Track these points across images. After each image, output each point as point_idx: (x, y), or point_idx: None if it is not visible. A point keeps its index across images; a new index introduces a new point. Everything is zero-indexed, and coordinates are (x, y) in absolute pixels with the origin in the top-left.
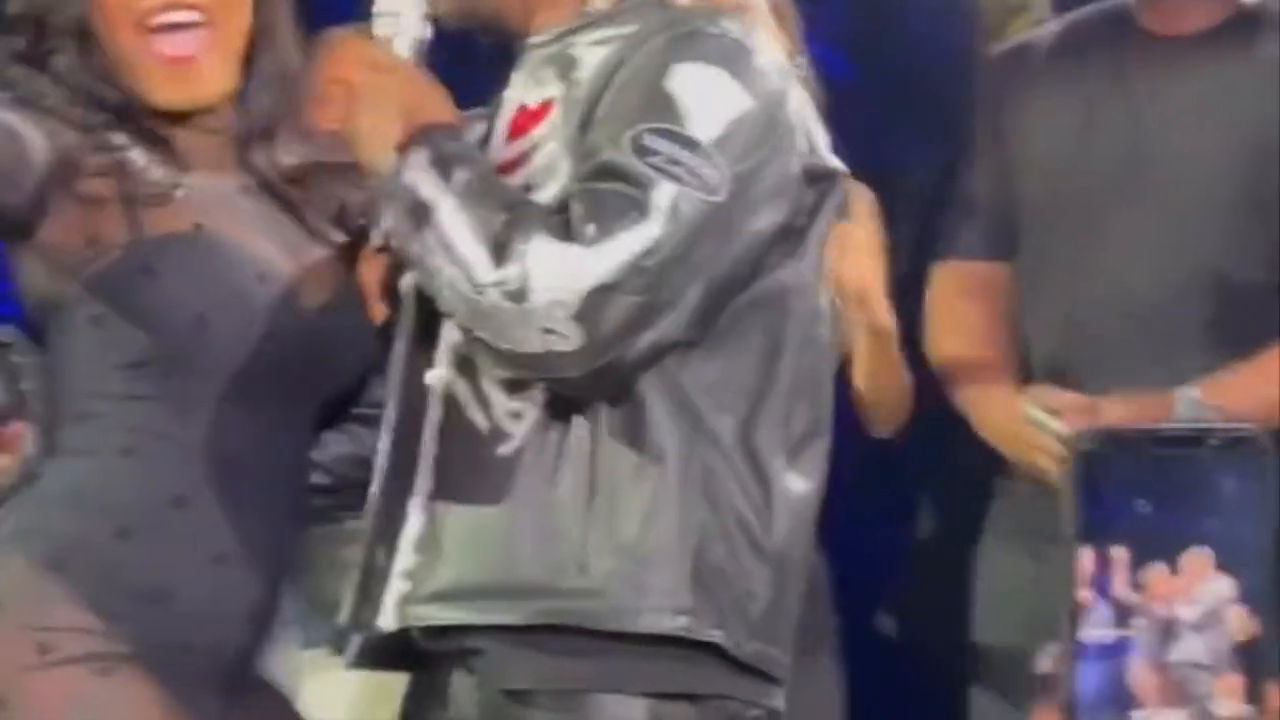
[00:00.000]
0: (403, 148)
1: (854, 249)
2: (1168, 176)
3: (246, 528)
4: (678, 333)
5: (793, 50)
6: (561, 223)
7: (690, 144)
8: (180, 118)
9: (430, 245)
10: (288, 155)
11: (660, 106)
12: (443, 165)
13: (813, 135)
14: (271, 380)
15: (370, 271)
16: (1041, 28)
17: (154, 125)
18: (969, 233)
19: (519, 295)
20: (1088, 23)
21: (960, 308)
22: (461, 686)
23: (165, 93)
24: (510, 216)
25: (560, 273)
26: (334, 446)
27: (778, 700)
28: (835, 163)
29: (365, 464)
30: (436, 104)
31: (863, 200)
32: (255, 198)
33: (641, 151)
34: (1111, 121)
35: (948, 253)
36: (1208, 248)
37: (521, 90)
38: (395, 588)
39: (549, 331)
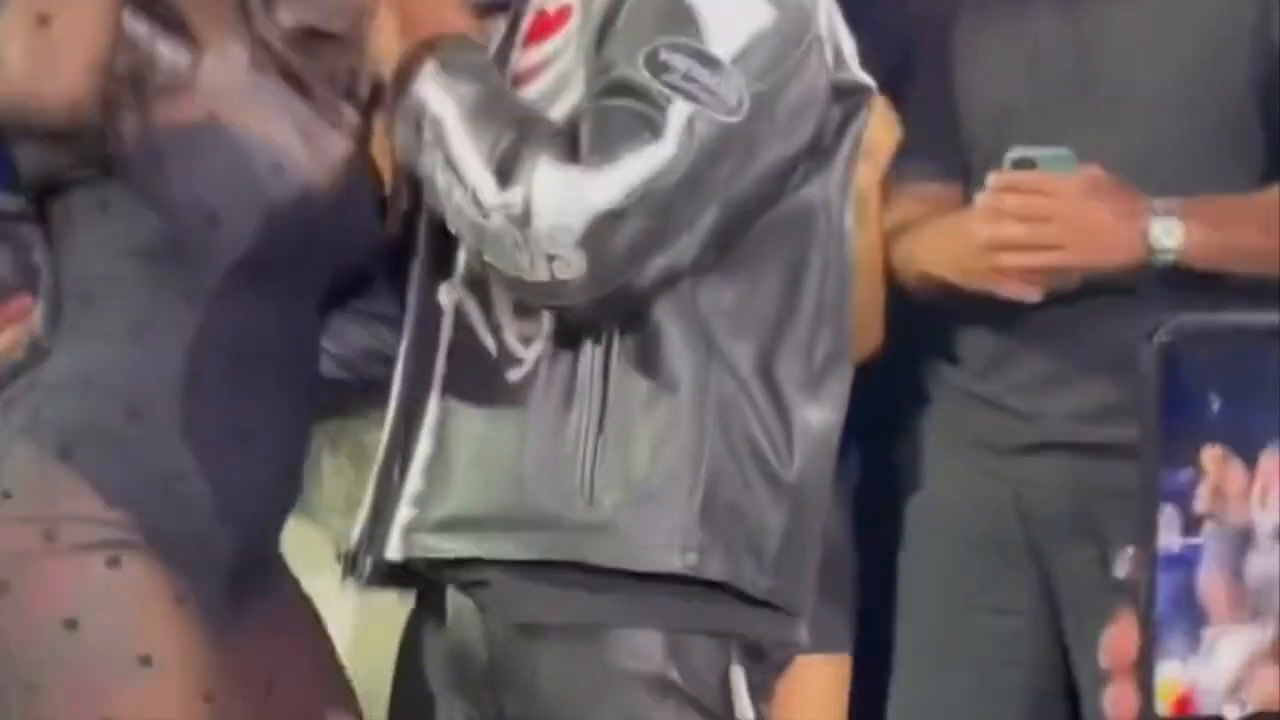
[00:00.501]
0: (414, 56)
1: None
2: (1118, 98)
3: (260, 412)
4: (691, 258)
5: None
6: (569, 141)
7: (709, 61)
8: None
9: (438, 163)
10: (291, 16)
11: (679, 19)
12: (452, 78)
13: (841, 46)
14: (283, 268)
15: (381, 145)
16: None
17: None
18: (918, 160)
19: (523, 220)
20: None
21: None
22: (467, 614)
23: None
24: (518, 134)
25: (565, 196)
26: (355, 341)
27: (799, 633)
28: (863, 77)
29: (386, 360)
30: (453, 11)
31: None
32: (266, 74)
33: (657, 68)
34: (1058, 49)
35: (900, 182)
36: (1163, 167)
37: None
38: (402, 514)
39: (553, 258)
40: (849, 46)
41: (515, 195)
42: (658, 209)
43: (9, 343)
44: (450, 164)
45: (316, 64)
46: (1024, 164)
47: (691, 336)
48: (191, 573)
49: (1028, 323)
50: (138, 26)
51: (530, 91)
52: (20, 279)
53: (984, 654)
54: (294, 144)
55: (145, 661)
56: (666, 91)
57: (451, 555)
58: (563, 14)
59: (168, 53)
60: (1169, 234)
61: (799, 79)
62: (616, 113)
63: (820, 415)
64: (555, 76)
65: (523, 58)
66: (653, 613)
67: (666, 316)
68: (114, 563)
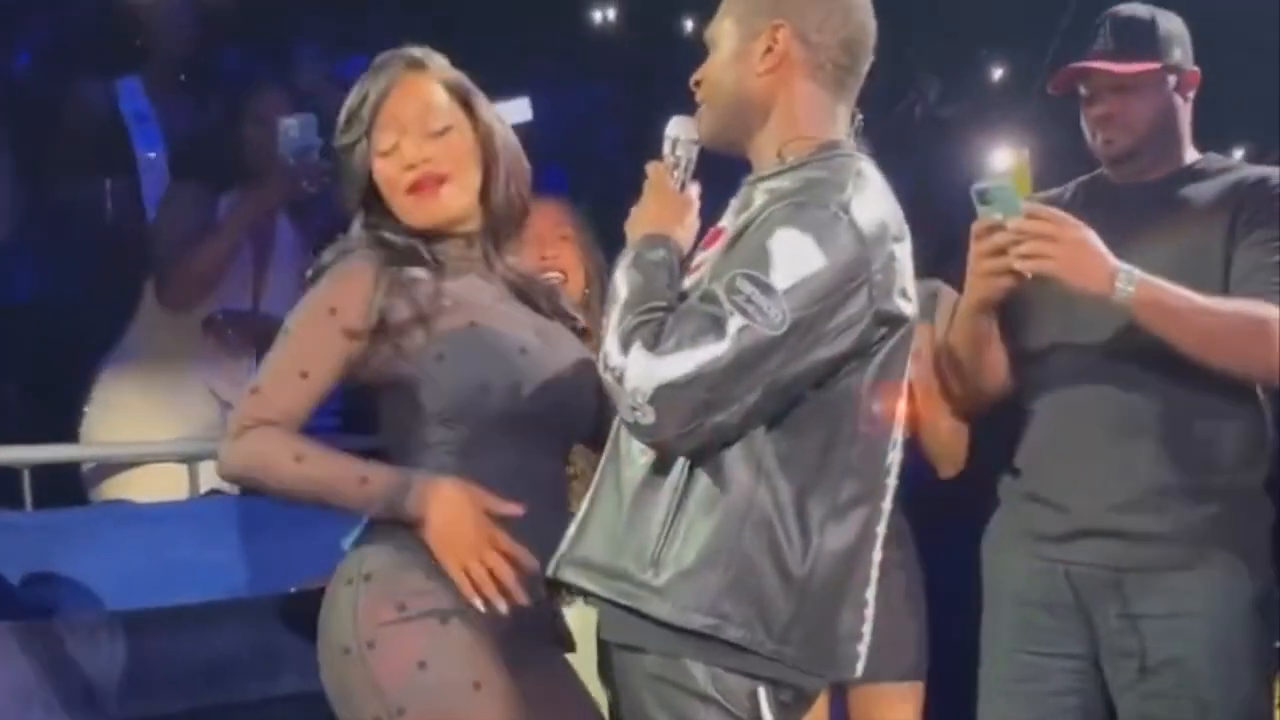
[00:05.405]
0: (630, 240)
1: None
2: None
3: (529, 519)
4: (737, 421)
5: None
6: (657, 331)
7: (766, 288)
8: (443, 239)
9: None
10: (515, 262)
11: (758, 258)
12: (632, 266)
13: (902, 284)
14: (535, 420)
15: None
16: (1059, 189)
17: (434, 252)
18: None
19: (619, 380)
20: (1078, 184)
21: None
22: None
23: (417, 216)
24: (640, 321)
25: (643, 371)
26: None
27: (804, 682)
28: (905, 310)
29: None
30: (673, 218)
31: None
32: (507, 301)
33: (731, 290)
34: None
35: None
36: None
37: (728, 211)
38: (561, 546)
39: (634, 408)
40: (907, 282)
41: (620, 363)
42: (709, 386)
43: None
44: (607, 327)
45: (536, 290)
46: (981, 194)
47: (750, 470)
48: (495, 632)
49: (1066, 444)
50: (425, 280)
51: (689, 280)
52: None
53: (1051, 687)
54: (531, 337)
55: (477, 687)
56: (730, 306)
57: (573, 583)
58: (719, 235)
59: (443, 293)
60: (1129, 281)
61: (845, 307)
62: (696, 315)
63: (838, 539)
64: (697, 278)
65: (696, 255)
66: (696, 651)
67: (737, 453)
68: (443, 622)
